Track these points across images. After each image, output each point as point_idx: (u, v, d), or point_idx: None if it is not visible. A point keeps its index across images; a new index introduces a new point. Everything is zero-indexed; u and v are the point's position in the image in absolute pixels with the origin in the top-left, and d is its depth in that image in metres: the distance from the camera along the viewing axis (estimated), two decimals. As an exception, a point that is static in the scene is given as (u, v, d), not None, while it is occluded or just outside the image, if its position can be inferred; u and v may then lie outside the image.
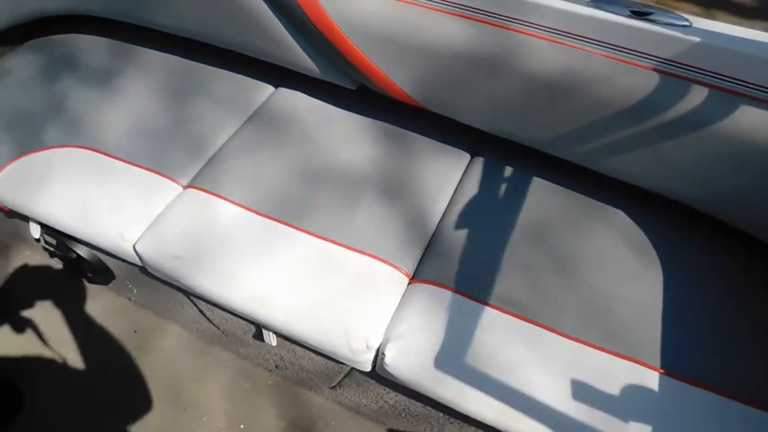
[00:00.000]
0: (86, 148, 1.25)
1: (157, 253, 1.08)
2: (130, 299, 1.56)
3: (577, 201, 1.18)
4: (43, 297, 1.58)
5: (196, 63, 1.47)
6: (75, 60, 1.51)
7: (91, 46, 1.55)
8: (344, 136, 1.29)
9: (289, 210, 1.13)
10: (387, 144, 1.28)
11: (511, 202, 1.18)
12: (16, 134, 1.29)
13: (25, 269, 1.63)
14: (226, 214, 1.13)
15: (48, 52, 1.54)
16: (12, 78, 1.46)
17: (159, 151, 1.25)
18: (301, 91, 1.39)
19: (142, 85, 1.42)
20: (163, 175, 1.20)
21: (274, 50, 1.29)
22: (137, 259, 1.13)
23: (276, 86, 1.43)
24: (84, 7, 1.46)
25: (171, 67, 1.46)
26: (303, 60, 1.27)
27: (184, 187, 1.20)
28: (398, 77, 1.18)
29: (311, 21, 1.15)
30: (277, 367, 1.36)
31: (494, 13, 1.00)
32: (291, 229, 1.10)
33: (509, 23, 0.99)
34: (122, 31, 1.53)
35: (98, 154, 1.24)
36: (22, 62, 1.51)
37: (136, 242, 1.11)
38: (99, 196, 1.17)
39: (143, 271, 1.22)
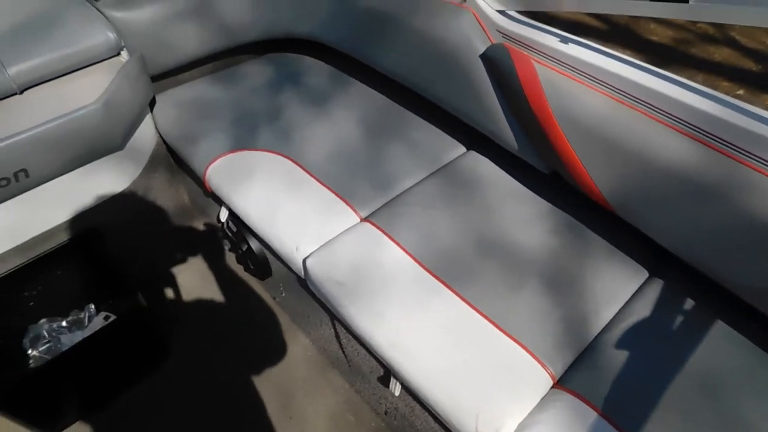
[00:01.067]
0: (289, 158, 1.39)
1: (322, 272, 1.16)
2: (274, 298, 1.68)
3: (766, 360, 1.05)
4: (204, 267, 1.77)
5: (400, 107, 1.58)
6: (299, 78, 1.70)
7: (316, 69, 1.74)
8: (524, 215, 1.29)
9: (452, 272, 1.15)
10: (566, 236, 1.25)
11: (685, 337, 1.08)
12: (239, 131, 1.48)
13: (200, 242, 1.83)
14: (392, 257, 1.18)
15: (280, 66, 1.76)
16: (247, 81, 1.69)
17: (348, 179, 1.35)
18: (491, 159, 1.42)
19: (349, 114, 1.55)
20: (346, 202, 1.29)
21: (477, 115, 1.34)
22: (302, 271, 1.22)
23: (468, 148, 1.48)
24: (321, 36, 1.65)
25: (378, 104, 1.59)
26: (503, 132, 1.30)
27: (362, 219, 1.28)
28: (597, 175, 1.15)
29: (528, 102, 1.18)
30: (386, 413, 1.37)
31: (726, 142, 0.94)
32: (450, 291, 1.11)
33: (741, 155, 0.93)
34: (344, 61, 1.70)
35: (297, 167, 1.37)
36: (258, 70, 1.74)
37: (307, 256, 1.20)
38: (288, 204, 1.29)
39: (300, 281, 1.31)
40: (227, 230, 1.52)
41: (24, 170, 1.20)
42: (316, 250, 1.21)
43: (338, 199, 1.30)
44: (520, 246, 1.21)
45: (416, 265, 1.16)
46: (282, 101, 1.60)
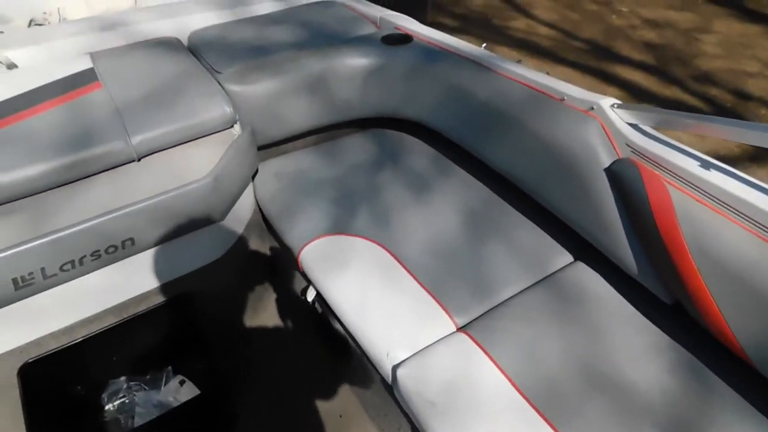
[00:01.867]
0: (386, 248, 1.35)
1: (413, 387, 1.08)
2: (350, 383, 1.62)
3: None
4: (284, 338, 1.74)
5: (504, 202, 1.50)
6: (401, 158, 1.68)
7: (418, 150, 1.71)
8: (639, 347, 1.16)
9: (554, 405, 1.03)
10: (686, 378, 1.10)
11: None
12: (337, 212, 1.45)
13: (284, 313, 1.81)
14: (489, 378, 1.08)
15: (383, 143, 1.75)
16: (349, 156, 1.68)
17: (445, 279, 1.28)
18: (601, 275, 1.31)
19: (450, 203, 1.49)
20: (442, 307, 1.22)
21: (591, 227, 1.25)
22: (390, 377, 1.15)
23: (575, 257, 1.38)
24: (428, 120, 1.62)
25: (481, 196, 1.52)
26: (620, 250, 1.19)
27: (458, 329, 1.20)
28: (733, 318, 1.01)
29: (657, 227, 1.07)
30: None
31: None
32: (550, 429, 1.00)
33: None
34: (448, 146, 1.66)
35: (393, 259, 1.32)
36: (360, 145, 1.74)
37: (398, 364, 1.13)
38: (380, 300, 1.23)
39: (384, 381, 1.24)
40: (313, 309, 1.49)
41: (131, 239, 1.23)
42: (407, 359, 1.13)
43: (434, 301, 1.23)
44: (634, 385, 1.08)
45: (514, 390, 1.06)
46: (382, 181, 1.57)
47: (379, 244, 1.36)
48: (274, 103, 1.52)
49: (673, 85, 3.50)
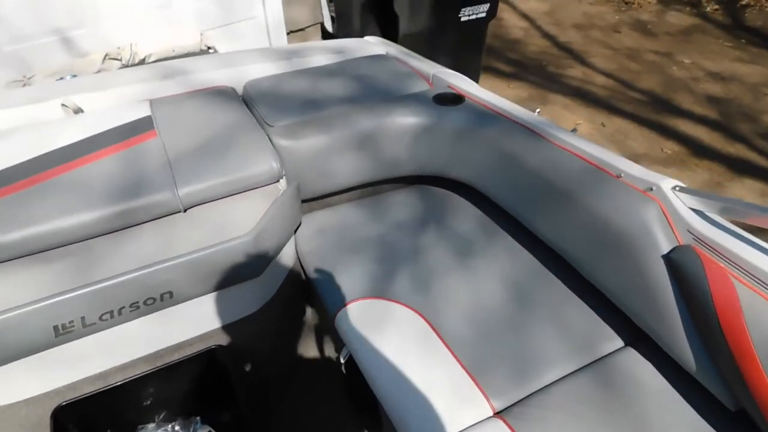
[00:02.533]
0: (424, 318, 1.30)
1: None
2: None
3: None
4: (314, 395, 1.70)
5: (551, 275, 1.43)
6: (444, 218, 1.64)
7: (463, 211, 1.67)
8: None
9: None
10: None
11: None
12: (377, 273, 1.42)
13: (315, 369, 1.77)
14: (526, 476, 1.01)
15: (426, 201, 1.72)
16: (391, 213, 1.66)
17: (485, 357, 1.22)
18: (655, 366, 1.21)
19: (493, 271, 1.44)
20: (479, 388, 1.15)
21: (645, 314, 1.16)
22: None
23: (626, 343, 1.28)
24: (476, 183, 1.59)
25: (526, 266, 1.46)
26: (679, 344, 1.10)
27: (495, 413, 1.13)
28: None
29: (719, 323, 0.98)
30: None
31: None
32: None
33: None
34: (495, 210, 1.61)
35: (432, 331, 1.27)
36: (404, 202, 1.71)
37: None
38: (415, 373, 1.18)
39: None
40: (345, 370, 1.45)
41: (170, 292, 1.24)
42: None
43: (471, 381, 1.17)
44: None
45: None
46: (424, 243, 1.53)
47: (417, 313, 1.31)
48: (322, 158, 1.52)
49: (738, 142, 3.33)
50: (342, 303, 1.35)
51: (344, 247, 1.52)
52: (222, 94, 1.64)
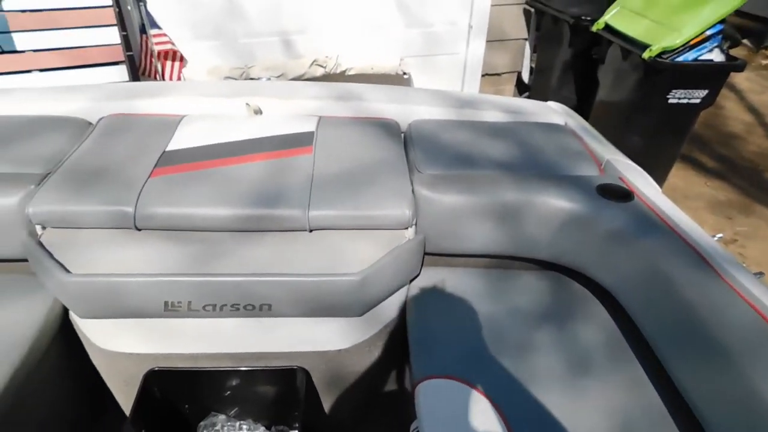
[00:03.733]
0: (508, 425, 1.15)
1: None
2: None
3: None
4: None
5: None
6: (567, 316, 1.44)
7: (593, 317, 1.46)
8: None
9: None
10: None
11: None
12: (478, 357, 1.30)
13: (385, 424, 1.71)
14: None
15: (556, 291, 1.54)
16: (515, 292, 1.51)
17: None
18: None
19: (607, 404, 1.21)
20: None
21: None
22: None
23: None
24: (615, 290, 1.38)
25: (652, 411, 1.21)
26: None
27: None
28: None
29: None
30: None
31: None
32: None
33: None
34: (631, 328, 1.38)
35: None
36: (532, 285, 1.55)
37: None
38: None
39: None
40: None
41: (269, 305, 1.27)
42: None
43: None
44: None
45: None
46: (536, 338, 1.36)
47: (503, 417, 1.17)
48: (459, 219, 1.44)
49: None
50: (429, 373, 1.26)
51: (454, 315, 1.42)
52: (386, 127, 1.67)
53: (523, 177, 1.49)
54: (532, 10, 3.66)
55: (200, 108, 1.68)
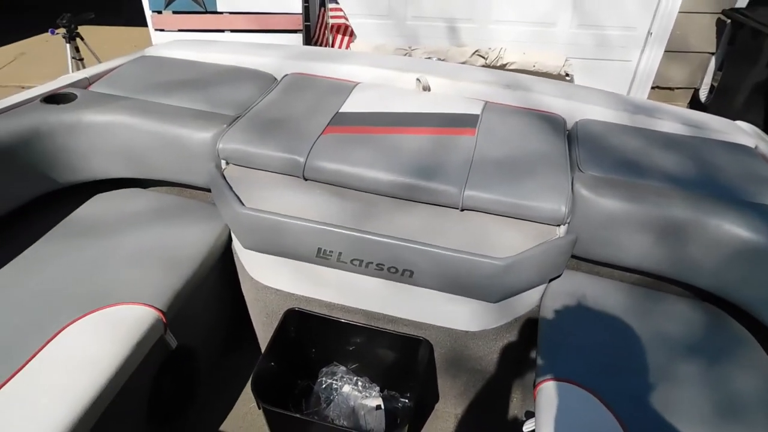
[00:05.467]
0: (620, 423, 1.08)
1: None
2: None
3: None
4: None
5: None
6: (721, 355, 1.30)
7: (751, 363, 1.31)
8: None
9: None
10: None
11: None
12: (608, 371, 1.24)
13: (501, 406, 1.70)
14: None
15: (710, 325, 1.40)
16: (664, 316, 1.41)
17: None
18: None
19: None
20: None
21: None
22: None
23: None
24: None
25: None
26: None
27: None
28: None
29: None
30: None
31: None
32: None
33: None
34: None
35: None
36: (683, 313, 1.43)
37: None
38: None
39: None
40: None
41: (411, 271, 1.31)
42: None
43: None
44: None
45: None
46: (680, 371, 1.25)
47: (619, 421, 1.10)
48: (616, 226, 1.37)
49: None
50: (554, 375, 1.22)
51: (590, 324, 1.36)
52: (550, 121, 1.62)
53: (698, 196, 1.36)
54: (728, 21, 3.29)
55: (373, 78, 1.77)
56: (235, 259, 1.59)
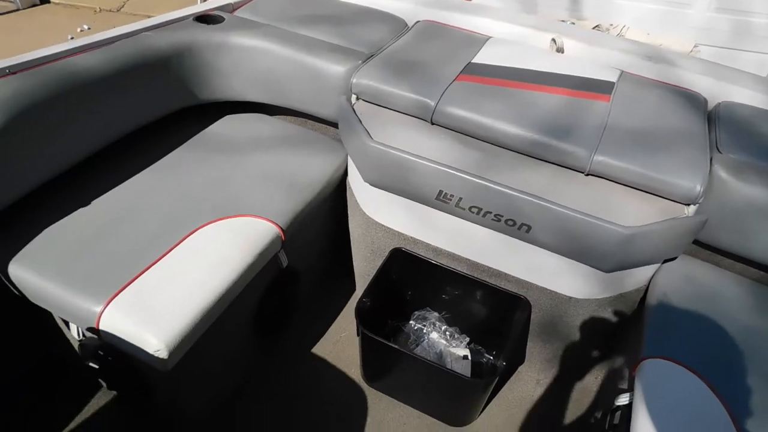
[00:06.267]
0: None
1: None
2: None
3: None
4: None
5: None
6: None
7: None
8: None
9: None
10: None
11: None
12: (713, 356, 1.19)
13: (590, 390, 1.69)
14: None
15: None
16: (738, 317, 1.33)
17: None
18: None
19: None
20: None
21: None
22: None
23: None
24: None
25: None
26: None
27: None
28: None
29: None
30: None
31: None
32: None
33: None
34: None
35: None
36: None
37: None
38: None
39: None
40: (614, 420, 1.32)
41: (529, 226, 1.30)
42: None
43: None
44: None
45: None
46: None
47: (734, 423, 1.07)
48: (753, 215, 1.28)
49: None
50: (658, 353, 1.19)
51: (702, 313, 1.30)
52: (690, 99, 1.53)
53: None
54: None
55: (507, 33, 1.74)
56: (348, 194, 1.65)
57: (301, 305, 1.78)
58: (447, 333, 1.66)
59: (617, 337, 1.57)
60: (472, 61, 1.56)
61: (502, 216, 1.32)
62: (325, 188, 1.56)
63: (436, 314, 1.67)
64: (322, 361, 1.68)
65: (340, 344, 1.71)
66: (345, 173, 1.64)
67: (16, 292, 1.27)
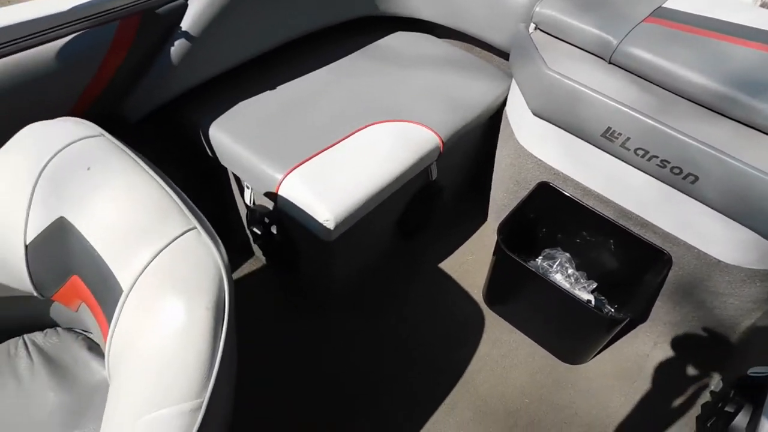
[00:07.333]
0: None
1: None
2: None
3: None
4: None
5: None
6: None
7: None
8: None
9: None
10: None
11: None
12: None
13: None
14: None
15: None
16: None
17: None
18: None
19: None
20: None
21: None
22: None
23: None
24: None
25: None
26: None
27: None
28: None
29: None
30: None
31: None
32: None
33: None
34: None
35: None
36: None
37: None
38: None
39: None
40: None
41: (696, 177, 1.27)
42: None
43: None
44: None
45: None
46: None
47: None
48: None
49: None
50: None
51: None
52: None
53: None
54: None
55: None
56: (503, 124, 1.68)
57: (436, 221, 1.87)
58: (573, 277, 1.68)
59: (755, 323, 1.51)
60: (664, 5, 1.49)
61: (669, 162, 1.30)
62: (484, 112, 1.61)
63: (567, 255, 1.69)
64: (446, 276, 1.78)
65: (466, 266, 1.80)
66: (503, 103, 1.67)
67: (210, 153, 1.47)
